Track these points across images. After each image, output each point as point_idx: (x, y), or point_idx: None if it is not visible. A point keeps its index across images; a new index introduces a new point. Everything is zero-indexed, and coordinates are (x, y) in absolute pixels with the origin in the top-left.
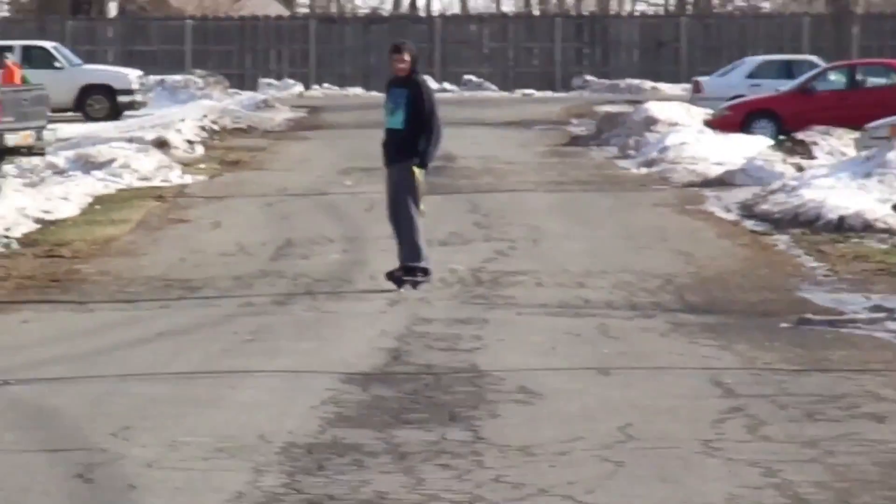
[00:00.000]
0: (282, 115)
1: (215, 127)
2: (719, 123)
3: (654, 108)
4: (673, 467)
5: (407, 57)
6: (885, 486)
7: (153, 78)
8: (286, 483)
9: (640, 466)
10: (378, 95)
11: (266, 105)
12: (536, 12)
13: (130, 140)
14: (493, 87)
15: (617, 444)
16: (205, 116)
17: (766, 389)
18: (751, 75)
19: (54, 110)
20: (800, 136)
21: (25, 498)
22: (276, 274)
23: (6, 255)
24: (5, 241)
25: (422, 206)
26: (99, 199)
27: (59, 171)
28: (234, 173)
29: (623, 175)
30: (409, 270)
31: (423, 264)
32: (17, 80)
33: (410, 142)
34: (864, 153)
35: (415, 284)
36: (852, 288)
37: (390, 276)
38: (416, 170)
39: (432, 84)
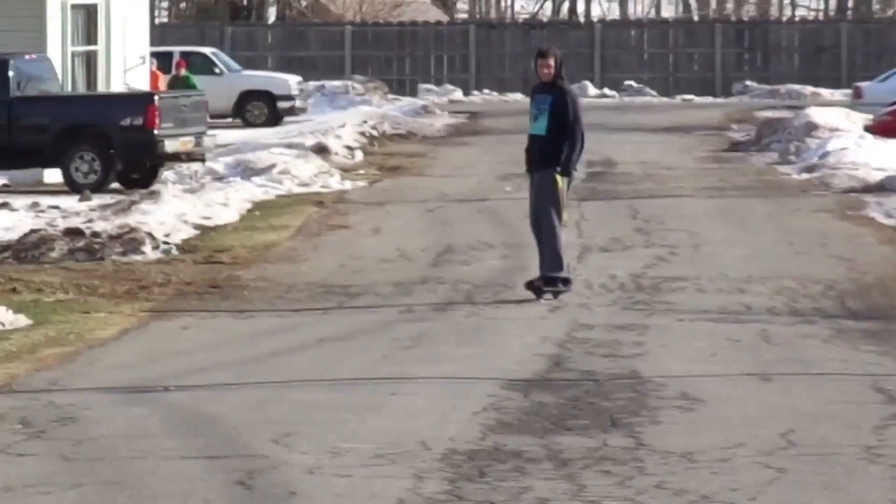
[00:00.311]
0: (441, 121)
1: (375, 133)
2: (880, 129)
3: (815, 113)
4: (835, 474)
5: (552, 62)
6: None
7: (312, 83)
8: (447, 490)
9: (803, 473)
10: None
11: (425, 111)
12: (696, 17)
13: (290, 146)
14: (653, 92)
15: (779, 450)
16: (364, 122)
17: None
18: None
19: (213, 116)
20: None
21: None
22: (436, 280)
23: (166, 261)
24: (165, 246)
25: (565, 216)
26: (258, 205)
27: (219, 177)
28: (393, 179)
29: (783, 180)
30: (549, 280)
31: (563, 274)
32: (161, 85)
33: (553, 148)
34: None
35: (555, 294)
36: None
37: (530, 285)
38: (559, 178)
39: (592, 90)
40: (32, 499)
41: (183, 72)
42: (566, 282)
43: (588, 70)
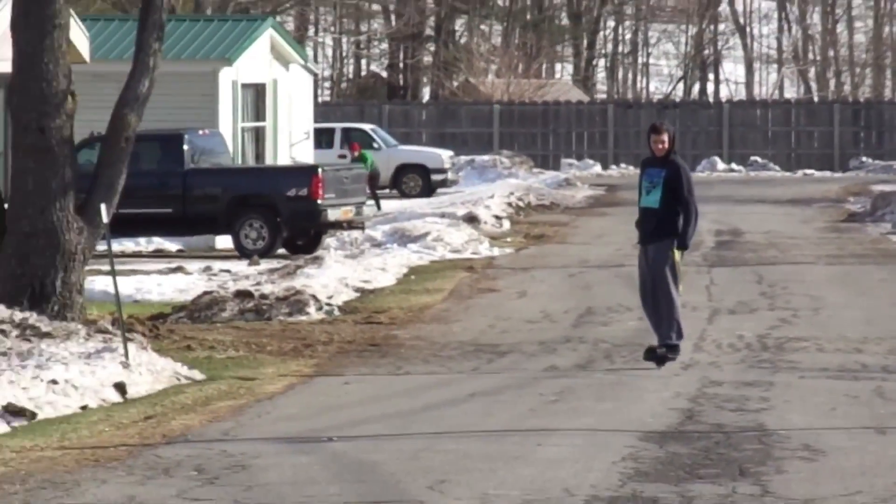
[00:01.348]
0: (582, 193)
1: (521, 203)
2: None
3: None
4: None
5: (665, 138)
6: None
7: (463, 158)
8: None
9: None
10: None
11: (567, 183)
12: (816, 98)
13: (443, 215)
14: (776, 167)
15: (893, 497)
16: (511, 194)
17: None
18: None
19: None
20: None
21: None
22: (577, 339)
23: (329, 321)
24: (328, 308)
25: (681, 287)
26: (413, 270)
27: (377, 244)
28: (538, 246)
29: None
30: (671, 348)
31: (680, 343)
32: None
33: (668, 221)
34: None
35: (661, 361)
36: None
37: (651, 354)
38: (676, 252)
39: (720, 164)
40: None
41: (356, 153)
42: (678, 350)
43: (717, 146)
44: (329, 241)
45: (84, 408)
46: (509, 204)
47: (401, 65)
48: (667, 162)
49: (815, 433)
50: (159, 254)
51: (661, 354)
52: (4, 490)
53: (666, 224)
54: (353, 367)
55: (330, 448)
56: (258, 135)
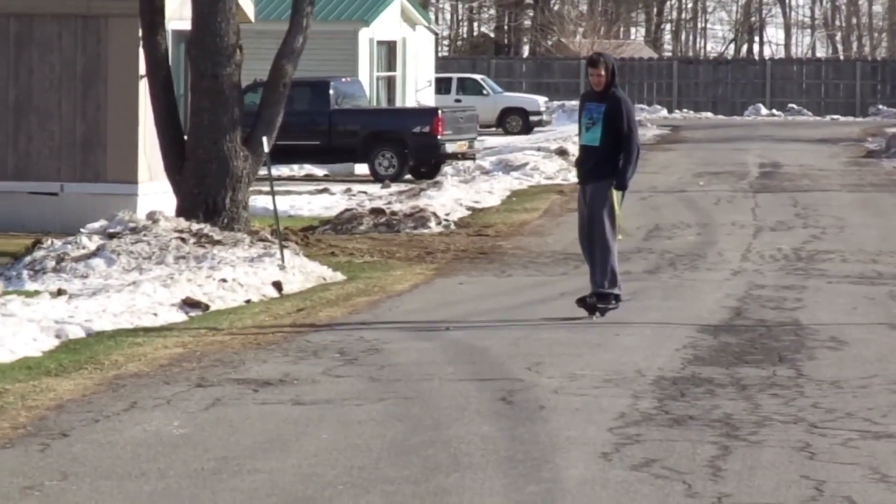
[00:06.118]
0: (651, 132)
1: None
2: None
3: None
4: None
5: (603, 71)
6: None
7: (555, 103)
8: (657, 406)
9: None
10: (724, 119)
11: (640, 124)
12: (842, 57)
13: (538, 149)
14: (809, 112)
15: None
16: None
17: None
18: None
19: (481, 126)
20: None
21: (463, 414)
22: (647, 250)
23: (446, 233)
24: (446, 222)
25: (619, 235)
26: (515, 193)
27: (486, 172)
28: None
29: None
30: (602, 297)
31: (616, 291)
32: None
33: (607, 160)
34: None
35: (604, 312)
36: None
37: (582, 302)
38: (615, 192)
39: (763, 110)
40: (348, 409)
41: None
42: (618, 298)
43: (761, 96)
44: (447, 168)
45: (248, 301)
46: None
47: (506, 27)
48: (606, 96)
49: (839, 328)
50: (309, 178)
51: (591, 304)
52: (184, 367)
53: (606, 163)
54: (466, 270)
55: (447, 336)
56: (390, 83)
